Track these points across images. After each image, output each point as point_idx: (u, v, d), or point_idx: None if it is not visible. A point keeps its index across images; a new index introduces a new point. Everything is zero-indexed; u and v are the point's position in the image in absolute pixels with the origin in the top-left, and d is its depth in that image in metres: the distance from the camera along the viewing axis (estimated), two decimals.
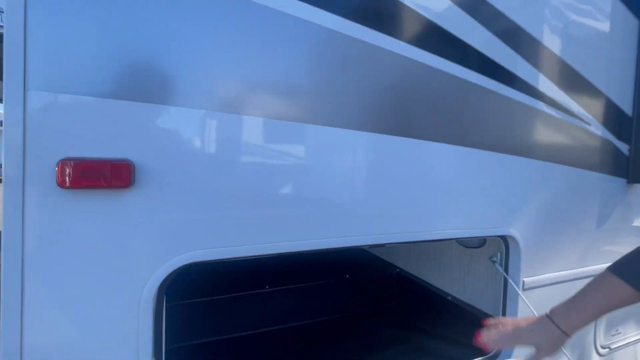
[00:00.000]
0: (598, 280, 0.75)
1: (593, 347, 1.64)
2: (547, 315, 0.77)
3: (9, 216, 0.66)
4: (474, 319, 1.73)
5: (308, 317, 1.97)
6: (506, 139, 1.26)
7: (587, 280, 0.77)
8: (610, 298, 0.73)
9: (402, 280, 2.27)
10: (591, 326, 1.62)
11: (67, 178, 0.67)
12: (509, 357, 1.38)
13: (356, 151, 1.00)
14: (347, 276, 2.17)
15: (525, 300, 1.36)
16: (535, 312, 1.35)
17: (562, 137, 1.39)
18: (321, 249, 0.98)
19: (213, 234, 0.82)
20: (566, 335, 0.73)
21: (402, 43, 1.01)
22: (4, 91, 0.64)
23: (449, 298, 1.89)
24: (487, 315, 1.66)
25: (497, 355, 1.41)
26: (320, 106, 0.91)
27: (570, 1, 1.35)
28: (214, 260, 0.83)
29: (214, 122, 0.80)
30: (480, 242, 1.68)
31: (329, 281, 2.08)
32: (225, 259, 0.84)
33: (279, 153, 0.88)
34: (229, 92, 0.81)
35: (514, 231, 1.33)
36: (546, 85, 1.31)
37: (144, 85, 0.74)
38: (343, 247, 1.01)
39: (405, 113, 1.05)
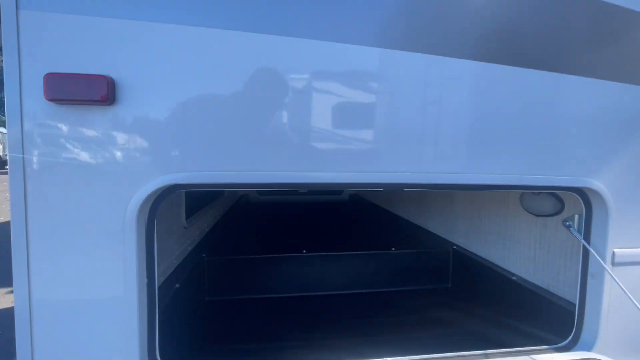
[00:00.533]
0: None
1: None
2: None
3: (11, 124, 0.72)
4: (545, 305, 1.38)
5: (348, 287, 1.85)
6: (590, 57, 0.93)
7: None
8: None
9: (460, 258, 1.97)
10: None
11: (51, 91, 0.70)
12: (589, 349, 1.05)
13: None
14: (393, 249, 1.97)
15: (615, 279, 1.01)
16: (630, 296, 0.99)
17: None
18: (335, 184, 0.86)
19: (198, 158, 0.78)
20: None
21: None
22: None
23: (514, 278, 1.55)
24: (563, 301, 1.31)
25: (571, 346, 1.10)
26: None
27: None
28: (199, 184, 0.79)
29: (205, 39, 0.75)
30: (555, 207, 1.32)
31: (371, 253, 1.92)
32: (210, 183, 0.79)
33: (273, 72, 0.79)
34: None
35: (597, 183, 0.99)
36: None
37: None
38: (359, 184, 0.88)
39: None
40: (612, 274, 1.02)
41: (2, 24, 0.70)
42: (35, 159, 0.74)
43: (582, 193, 1.02)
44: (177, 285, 1.35)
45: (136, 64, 0.74)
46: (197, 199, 2.02)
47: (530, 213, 1.47)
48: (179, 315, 1.29)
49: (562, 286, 1.35)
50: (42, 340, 0.78)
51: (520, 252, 1.58)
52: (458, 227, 2.08)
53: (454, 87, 0.88)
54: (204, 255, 1.72)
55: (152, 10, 0.74)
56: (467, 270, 1.88)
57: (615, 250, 1.03)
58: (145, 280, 0.83)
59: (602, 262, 1.03)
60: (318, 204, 3.80)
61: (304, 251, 1.85)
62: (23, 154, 0.73)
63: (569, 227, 1.12)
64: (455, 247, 2.02)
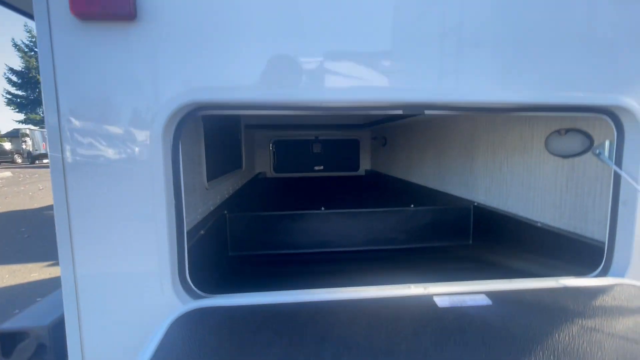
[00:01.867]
0: None
1: None
2: None
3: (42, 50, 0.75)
4: (574, 245, 1.35)
5: (367, 244, 1.86)
6: None
7: None
8: None
9: (481, 213, 1.93)
10: None
11: (78, 5, 0.73)
12: (621, 276, 1.02)
13: None
14: (412, 206, 1.96)
15: None
16: None
17: None
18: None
19: (219, 76, 0.79)
20: None
21: None
22: None
23: (539, 225, 1.52)
24: (591, 241, 1.27)
25: (602, 275, 1.07)
26: None
27: None
28: (219, 103, 0.80)
29: None
30: (584, 144, 1.27)
31: (389, 209, 1.92)
32: (232, 103, 0.80)
33: None
34: None
35: (629, 101, 0.94)
36: None
37: None
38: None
39: None
40: None
41: None
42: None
43: (613, 114, 0.98)
44: (202, 232, 1.40)
45: None
46: (217, 162, 2.07)
47: (558, 155, 1.42)
48: (203, 260, 1.34)
49: (591, 226, 1.31)
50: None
51: (545, 200, 1.53)
52: (478, 185, 2.04)
53: None
54: (225, 212, 1.77)
55: None
56: (489, 226, 1.85)
57: None
58: (173, 202, 0.86)
59: (635, 184, 0.99)
60: (334, 178, 3.81)
61: (323, 208, 1.86)
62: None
63: (599, 155, 1.08)
64: (476, 204, 1.99)
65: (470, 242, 1.96)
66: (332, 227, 1.85)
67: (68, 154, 0.80)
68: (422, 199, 2.52)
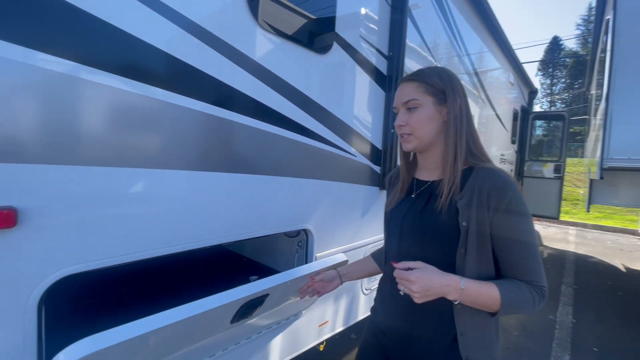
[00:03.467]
0: (366, 258, 1.37)
1: (360, 289, 2.60)
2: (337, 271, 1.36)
3: None
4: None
5: None
6: (307, 169, 1.93)
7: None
8: (368, 268, 1.33)
9: (252, 264, 2.82)
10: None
11: None
12: None
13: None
14: (202, 270, 2.54)
15: None
16: None
17: (338, 165, 2.20)
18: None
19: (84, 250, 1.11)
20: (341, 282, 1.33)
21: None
22: None
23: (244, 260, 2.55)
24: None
25: None
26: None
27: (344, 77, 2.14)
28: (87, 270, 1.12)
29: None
30: (296, 234, 2.39)
31: (181, 278, 2.42)
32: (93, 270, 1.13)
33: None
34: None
35: (309, 225, 2.04)
36: (327, 132, 2.05)
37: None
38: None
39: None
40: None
41: None
42: None
43: (305, 231, 2.05)
44: None
45: None
46: None
47: (286, 235, 2.50)
48: None
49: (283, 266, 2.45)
50: None
51: (282, 259, 2.60)
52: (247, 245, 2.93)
53: None
54: None
55: None
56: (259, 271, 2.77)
57: (317, 254, 2.13)
58: None
59: (308, 269, 2.10)
60: None
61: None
62: None
63: (300, 245, 2.16)
64: (245, 258, 2.85)
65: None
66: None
67: None
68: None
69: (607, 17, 3.75)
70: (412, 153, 1.12)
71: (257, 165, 1.64)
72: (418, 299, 0.86)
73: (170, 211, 1.33)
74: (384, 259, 1.16)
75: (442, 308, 0.93)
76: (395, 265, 0.92)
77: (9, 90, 0.94)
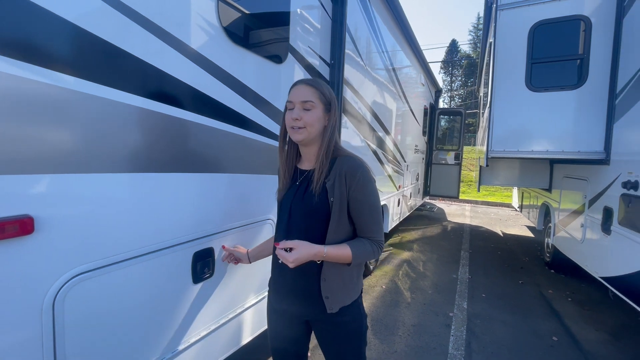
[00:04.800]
0: (270, 239, 1.64)
1: None
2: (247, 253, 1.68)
3: None
4: None
5: None
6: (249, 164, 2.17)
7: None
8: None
9: None
10: None
11: None
12: None
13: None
14: None
15: None
16: None
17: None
18: None
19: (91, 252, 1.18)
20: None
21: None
22: None
23: None
24: None
25: None
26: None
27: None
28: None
29: None
30: None
31: None
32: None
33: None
34: None
35: (271, 215, 2.30)
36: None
37: None
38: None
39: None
40: None
41: None
42: None
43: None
44: None
45: None
46: None
47: None
48: None
49: None
50: None
51: None
52: None
53: None
54: None
55: None
56: None
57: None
58: None
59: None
60: None
61: None
62: None
63: None
64: None
65: None
66: None
67: None
68: None
69: (490, 41, 4.74)
70: (288, 147, 1.34)
71: (214, 164, 1.72)
72: (292, 266, 1.14)
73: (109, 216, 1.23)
74: (275, 237, 1.39)
75: (312, 266, 1.24)
76: (276, 245, 1.17)
77: None
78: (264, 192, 2.15)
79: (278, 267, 1.34)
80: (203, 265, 1.65)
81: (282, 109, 2.22)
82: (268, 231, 2.24)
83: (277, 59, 2.17)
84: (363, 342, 1.34)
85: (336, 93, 2.81)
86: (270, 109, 2.12)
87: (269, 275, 1.44)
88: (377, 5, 3.91)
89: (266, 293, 1.91)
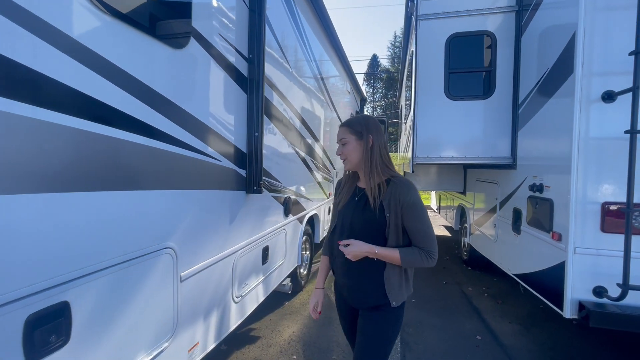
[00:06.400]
0: (323, 259, 1.81)
1: (231, 298, 2.50)
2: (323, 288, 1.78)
3: None
4: None
5: None
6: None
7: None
8: (329, 264, 1.76)
9: None
10: (229, 284, 2.45)
11: None
12: None
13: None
14: None
15: None
16: None
17: (201, 171, 2.03)
18: None
19: None
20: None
21: None
22: None
23: None
24: None
25: None
26: None
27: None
28: None
29: None
30: None
31: None
32: None
33: None
34: None
35: (171, 243, 1.79)
36: (188, 136, 1.85)
37: None
38: None
39: None
40: None
41: None
42: None
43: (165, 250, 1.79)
44: None
45: None
46: None
47: None
48: None
49: None
50: None
51: None
52: None
53: None
54: None
55: None
56: None
57: (182, 273, 1.91)
58: None
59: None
60: None
61: None
62: None
63: None
64: None
65: None
66: None
67: None
68: None
69: (411, 49, 4.93)
70: (350, 171, 1.66)
71: (68, 179, 1.20)
72: (352, 259, 1.49)
73: None
74: (332, 245, 1.70)
75: (376, 267, 1.52)
76: (339, 242, 1.54)
77: None
78: (155, 213, 1.64)
79: (341, 268, 1.63)
80: (47, 331, 1.09)
81: (180, 103, 1.75)
82: (166, 267, 1.72)
83: (175, 43, 1.70)
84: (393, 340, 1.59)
85: (256, 92, 2.44)
86: (164, 102, 1.64)
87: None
88: (301, 4, 3.67)
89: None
